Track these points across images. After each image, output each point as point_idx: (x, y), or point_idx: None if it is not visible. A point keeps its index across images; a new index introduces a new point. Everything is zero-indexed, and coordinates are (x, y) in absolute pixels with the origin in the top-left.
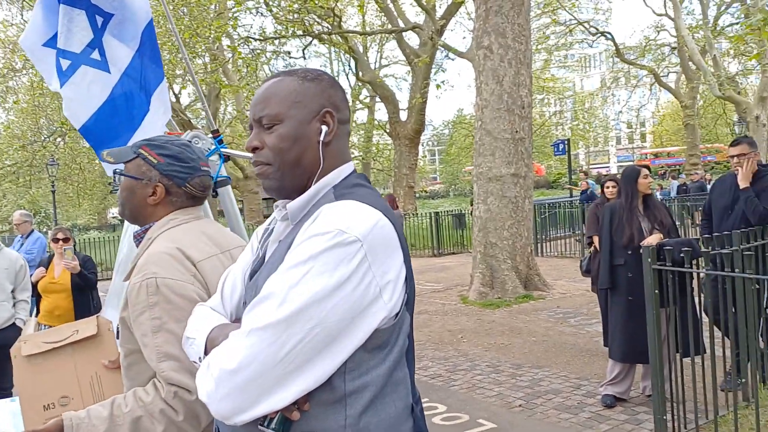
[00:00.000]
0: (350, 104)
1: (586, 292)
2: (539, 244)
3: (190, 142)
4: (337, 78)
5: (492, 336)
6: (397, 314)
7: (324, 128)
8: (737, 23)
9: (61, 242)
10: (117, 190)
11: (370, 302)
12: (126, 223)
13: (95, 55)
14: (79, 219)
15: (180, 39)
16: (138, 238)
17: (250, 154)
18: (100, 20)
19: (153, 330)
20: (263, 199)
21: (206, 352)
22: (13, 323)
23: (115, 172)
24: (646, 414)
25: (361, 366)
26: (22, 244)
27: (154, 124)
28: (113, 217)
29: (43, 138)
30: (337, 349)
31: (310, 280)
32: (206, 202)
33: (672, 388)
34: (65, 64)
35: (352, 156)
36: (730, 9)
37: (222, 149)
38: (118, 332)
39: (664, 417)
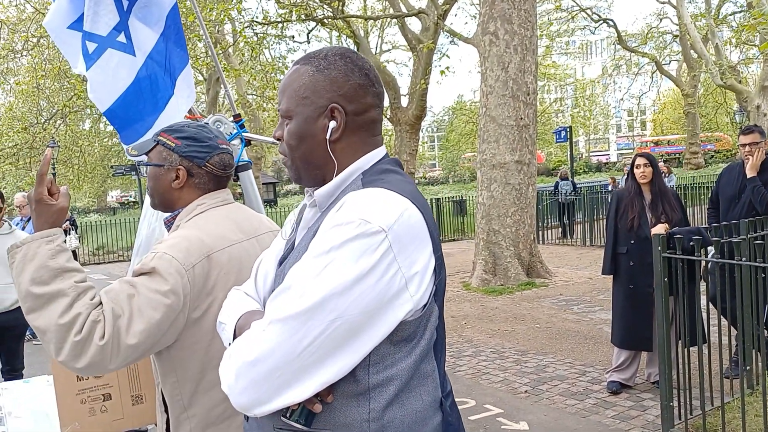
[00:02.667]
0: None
1: (589, 279)
2: (540, 232)
3: (207, 124)
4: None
5: (495, 322)
6: (424, 306)
7: (331, 125)
8: (740, 12)
9: None
10: (121, 173)
11: (395, 294)
12: (144, 206)
13: (121, 38)
14: (79, 202)
15: (203, 24)
16: (167, 224)
17: (271, 139)
18: (126, 3)
19: (127, 278)
20: (263, 184)
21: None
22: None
23: (140, 164)
24: (652, 400)
25: (386, 359)
26: (23, 227)
27: (179, 107)
28: (118, 200)
29: (43, 120)
30: (359, 342)
31: (330, 271)
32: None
33: (678, 376)
34: (91, 47)
35: None
36: None
37: (243, 133)
38: None
39: (671, 404)
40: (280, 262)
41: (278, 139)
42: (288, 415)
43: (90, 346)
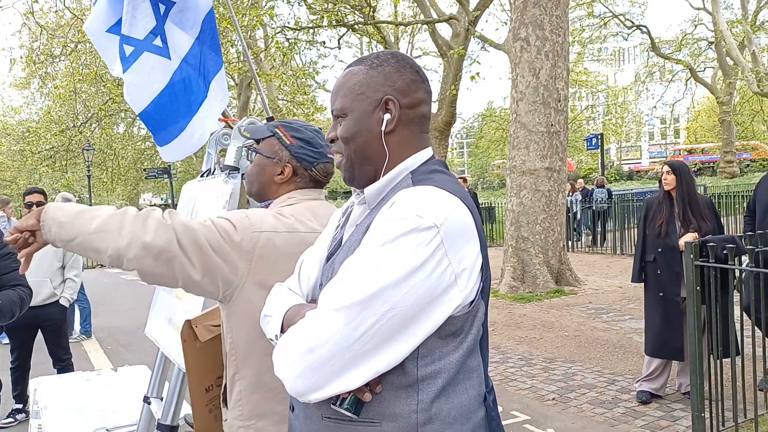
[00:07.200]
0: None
1: (619, 288)
2: (569, 240)
3: (320, 130)
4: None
5: (523, 329)
6: (472, 302)
7: (386, 117)
8: None
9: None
10: (154, 176)
11: (445, 289)
12: (178, 208)
13: (157, 41)
14: (113, 204)
15: (239, 29)
16: None
17: None
18: (162, 8)
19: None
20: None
21: (282, 331)
22: (56, 301)
23: (248, 148)
24: (683, 411)
25: (434, 352)
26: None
27: (212, 109)
28: (148, 203)
29: (79, 123)
30: (410, 333)
31: (385, 264)
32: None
33: (710, 386)
34: (128, 50)
35: None
36: None
37: None
38: None
39: (702, 414)
40: (328, 258)
41: (331, 141)
42: (338, 403)
43: (154, 248)
